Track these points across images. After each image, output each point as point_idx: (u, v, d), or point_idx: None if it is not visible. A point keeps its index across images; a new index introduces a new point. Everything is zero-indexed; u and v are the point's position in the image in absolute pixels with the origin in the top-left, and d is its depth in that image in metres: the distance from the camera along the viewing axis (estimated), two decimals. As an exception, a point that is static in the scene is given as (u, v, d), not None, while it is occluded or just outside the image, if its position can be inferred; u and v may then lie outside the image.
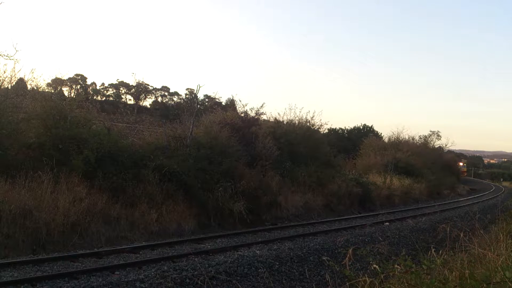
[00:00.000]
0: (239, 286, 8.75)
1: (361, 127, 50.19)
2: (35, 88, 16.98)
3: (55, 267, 9.31)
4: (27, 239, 10.63)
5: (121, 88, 70.13)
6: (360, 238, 14.49)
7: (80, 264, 9.68)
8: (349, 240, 13.77)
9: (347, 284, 4.49)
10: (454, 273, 4.78)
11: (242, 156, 18.99)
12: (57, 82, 35.98)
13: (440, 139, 53.36)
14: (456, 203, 31.74)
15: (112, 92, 70.22)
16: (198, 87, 21.26)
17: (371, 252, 5.23)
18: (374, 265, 4.56)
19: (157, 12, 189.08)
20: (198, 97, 23.64)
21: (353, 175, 26.93)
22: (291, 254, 11.56)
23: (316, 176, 22.69)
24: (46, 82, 21.34)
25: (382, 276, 4.54)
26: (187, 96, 65.06)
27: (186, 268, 9.46)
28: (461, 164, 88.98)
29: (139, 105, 65.21)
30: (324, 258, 9.71)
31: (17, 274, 8.54)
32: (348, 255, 4.57)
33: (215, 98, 38.67)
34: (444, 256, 5.67)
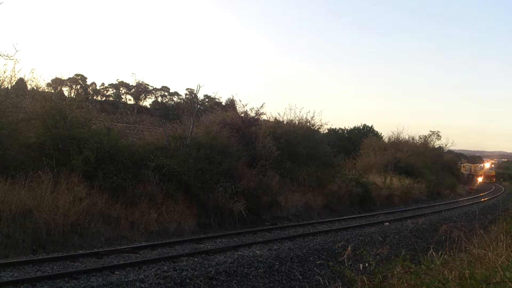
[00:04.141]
0: (239, 286, 8.76)
1: (361, 127, 50.15)
2: (35, 88, 16.98)
3: (55, 267, 9.31)
4: (27, 239, 10.63)
5: (121, 88, 70.16)
6: (360, 238, 14.49)
7: (80, 264, 9.68)
8: (349, 240, 13.78)
9: (347, 284, 4.49)
10: (454, 273, 4.79)
11: (242, 156, 18.99)
12: (57, 82, 35.98)
13: (440, 139, 53.13)
14: (456, 203, 31.73)
15: (112, 92, 70.24)
16: (198, 87, 21.28)
17: (371, 252, 5.23)
18: (371, 265, 4.57)
19: (157, 12, 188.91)
20: (198, 97, 23.64)
21: (353, 175, 26.91)
22: (291, 254, 11.56)
23: (316, 176, 22.68)
24: (46, 82, 21.35)
25: (381, 277, 4.55)
26: (187, 96, 65.06)
27: (186, 268, 9.47)
28: (487, 166, 72.69)
29: (139, 105, 65.22)
30: (318, 262, 9.77)
31: (17, 274, 8.54)
32: (347, 252, 4.59)
33: (215, 98, 38.66)
34: (444, 256, 5.68)
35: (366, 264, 4.59)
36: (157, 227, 13.76)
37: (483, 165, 73.85)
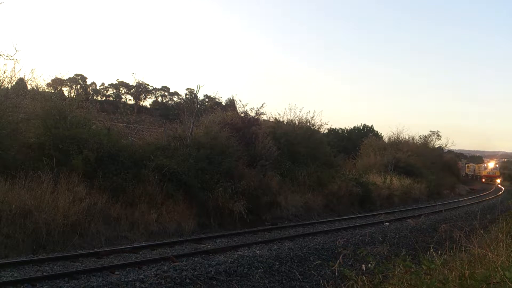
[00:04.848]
0: (239, 286, 8.76)
1: (361, 127, 50.12)
2: (35, 88, 16.98)
3: (55, 267, 9.31)
4: (27, 239, 10.63)
5: (121, 88, 70.16)
6: (360, 238, 14.50)
7: (80, 264, 9.68)
8: (349, 240, 13.78)
9: (347, 284, 4.49)
10: (454, 273, 4.79)
11: (242, 156, 18.99)
12: (57, 82, 35.95)
13: (440, 139, 53.07)
14: (456, 203, 31.74)
15: (112, 92, 70.26)
16: (198, 87, 21.27)
17: (371, 252, 5.24)
18: (370, 265, 4.57)
19: (157, 12, 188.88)
20: (198, 97, 23.60)
21: (353, 175, 26.91)
22: (291, 254, 11.56)
23: (316, 176, 22.69)
24: (46, 82, 21.29)
25: (381, 276, 4.55)
26: (187, 96, 65.04)
27: (186, 268, 9.47)
28: (491, 166, 68.32)
29: (139, 105, 65.18)
30: (317, 262, 9.77)
31: (17, 274, 8.54)
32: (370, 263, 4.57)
33: (215, 98, 38.50)
34: (444, 256, 5.68)
35: (369, 265, 4.58)
36: (157, 227, 13.76)
37: (487, 165, 71.30)
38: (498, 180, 63.68)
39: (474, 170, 71.36)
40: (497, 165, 72.24)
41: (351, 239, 14.18)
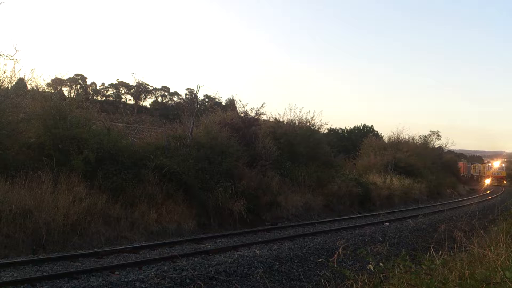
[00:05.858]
0: (239, 286, 8.76)
1: (361, 127, 50.08)
2: (35, 88, 16.98)
3: (55, 267, 9.31)
4: (27, 239, 10.63)
5: (121, 88, 70.10)
6: (360, 238, 14.50)
7: (80, 264, 9.68)
8: (349, 240, 13.77)
9: (347, 284, 4.50)
10: (454, 273, 4.79)
11: (242, 156, 18.99)
12: (57, 82, 35.95)
13: (440, 139, 53.03)
14: (456, 203, 31.74)
15: (112, 92, 70.21)
16: (198, 87, 21.27)
17: (371, 252, 5.23)
18: (371, 265, 4.57)
19: (157, 12, 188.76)
20: (198, 97, 23.63)
21: (353, 175, 26.92)
22: (291, 254, 11.56)
23: (316, 176, 22.69)
24: (46, 82, 21.29)
25: (381, 276, 4.55)
26: (187, 96, 64.99)
27: (186, 268, 9.47)
28: (496, 165, 62.96)
29: (139, 105, 65.20)
30: (319, 261, 9.77)
31: (17, 274, 8.54)
32: (338, 252, 4.60)
33: (215, 98, 38.53)
34: (444, 256, 5.68)
35: (369, 265, 4.59)
36: (157, 227, 13.76)
37: (491, 165, 67.66)
38: (505, 181, 58.80)
39: (480, 170, 70.25)
40: (503, 164, 66.08)
41: (351, 239, 14.18)
